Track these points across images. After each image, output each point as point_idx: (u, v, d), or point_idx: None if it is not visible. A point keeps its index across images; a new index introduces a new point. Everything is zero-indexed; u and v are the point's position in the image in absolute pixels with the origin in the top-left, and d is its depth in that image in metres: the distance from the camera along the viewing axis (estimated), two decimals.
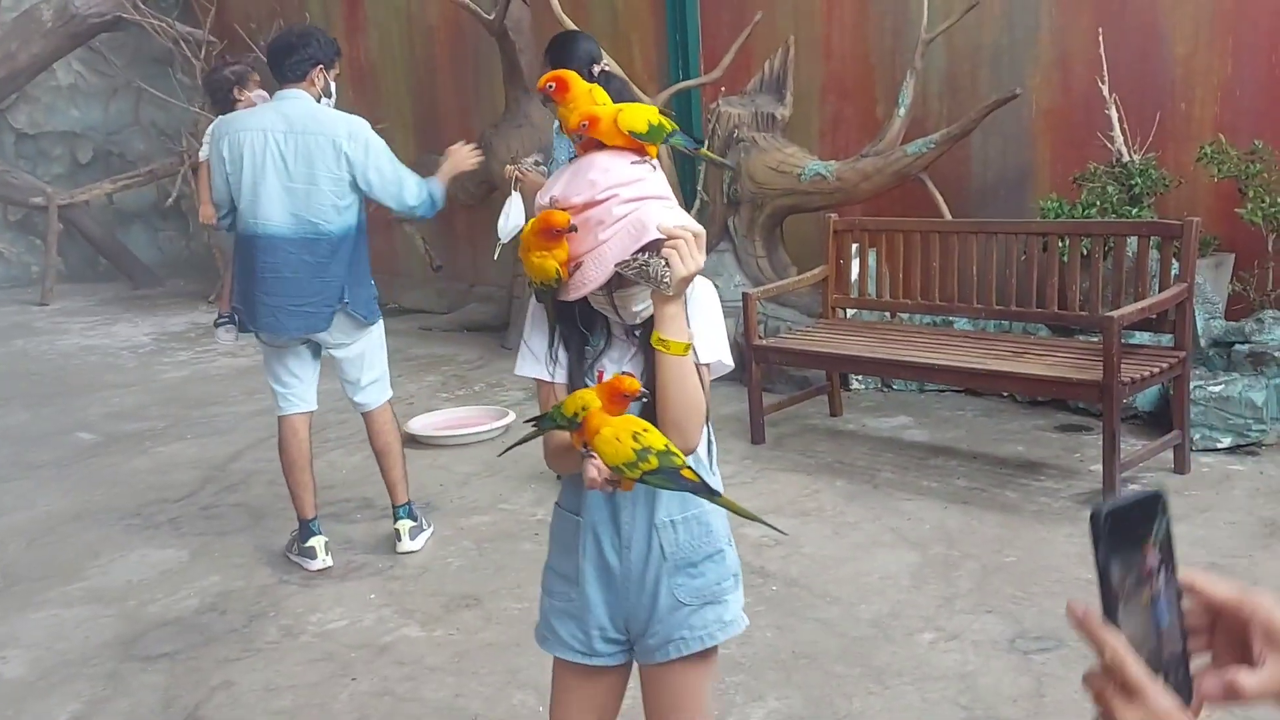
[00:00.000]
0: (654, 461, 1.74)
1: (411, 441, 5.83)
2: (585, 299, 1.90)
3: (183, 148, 11.35)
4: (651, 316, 1.89)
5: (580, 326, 1.96)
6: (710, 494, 1.83)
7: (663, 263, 1.78)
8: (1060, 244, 5.01)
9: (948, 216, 5.80)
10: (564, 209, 1.86)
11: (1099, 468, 4.59)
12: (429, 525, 4.57)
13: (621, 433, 1.74)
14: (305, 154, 4.06)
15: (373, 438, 4.50)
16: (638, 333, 1.96)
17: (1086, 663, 2.74)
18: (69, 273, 12.30)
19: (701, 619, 2.02)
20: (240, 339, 4.81)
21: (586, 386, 1.92)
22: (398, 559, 4.38)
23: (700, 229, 1.85)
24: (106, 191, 11.51)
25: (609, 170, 1.86)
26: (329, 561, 4.35)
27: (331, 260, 4.16)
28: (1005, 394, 5.67)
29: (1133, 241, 4.78)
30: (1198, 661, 0.90)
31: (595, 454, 1.79)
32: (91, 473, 5.77)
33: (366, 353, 4.38)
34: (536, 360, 2.00)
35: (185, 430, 6.45)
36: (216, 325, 5.05)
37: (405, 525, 4.44)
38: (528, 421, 1.99)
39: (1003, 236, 5.17)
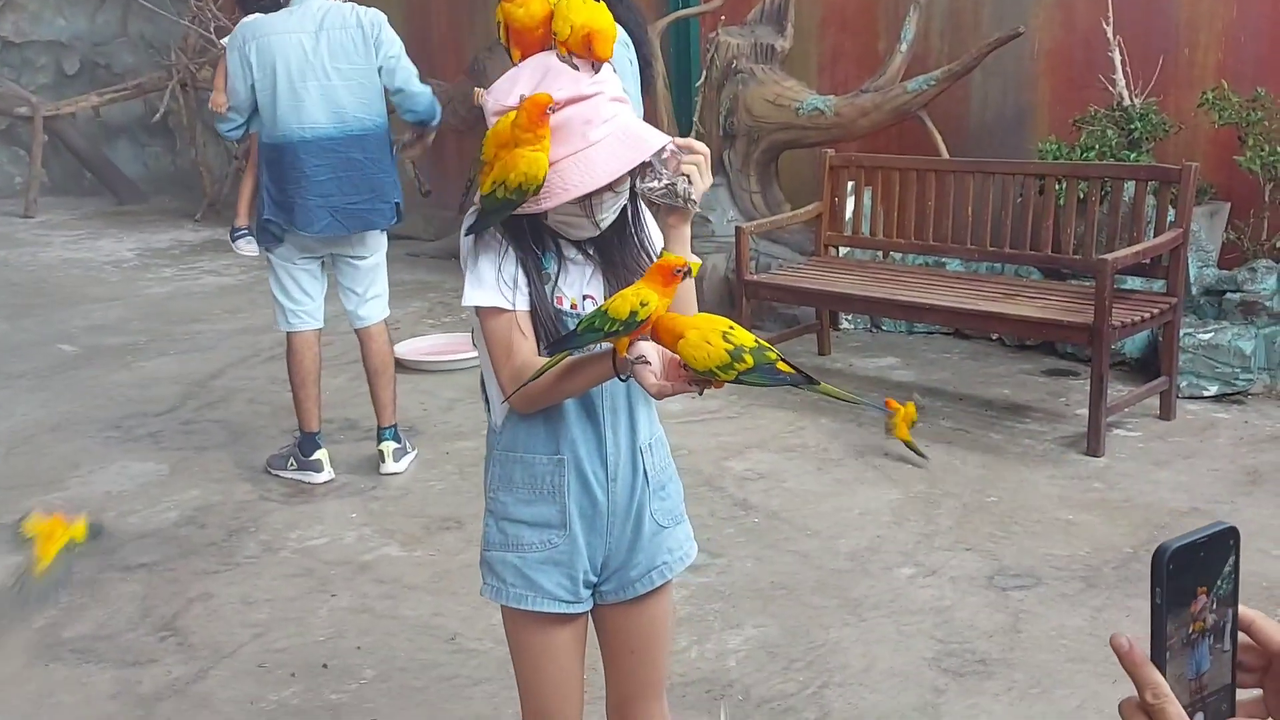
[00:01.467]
0: (749, 360, 1.56)
1: (397, 366, 5.79)
2: (536, 214, 1.74)
3: (171, 61, 11.15)
4: (602, 234, 1.80)
5: (533, 246, 1.78)
6: (810, 381, 1.62)
7: (685, 180, 1.71)
8: (1058, 186, 4.97)
9: (945, 156, 5.74)
10: (550, 103, 1.71)
11: (1085, 412, 4.58)
12: (413, 448, 4.56)
13: (710, 334, 1.55)
14: (339, 51, 4.03)
15: (368, 356, 4.48)
16: (592, 250, 1.83)
17: (1064, 601, 2.74)
18: (53, 185, 12.13)
19: (675, 539, 1.97)
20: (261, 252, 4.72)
21: (561, 314, 1.78)
22: (380, 480, 4.36)
23: (705, 148, 1.79)
24: (93, 104, 11.32)
25: (584, 67, 1.72)
26: (332, 475, 4.35)
27: (382, 155, 4.19)
28: (994, 337, 5.65)
29: (1129, 186, 4.74)
30: (1244, 695, 0.87)
31: (648, 359, 1.59)
32: (71, 384, 5.73)
33: (379, 266, 4.43)
34: (489, 286, 1.76)
35: (167, 346, 6.40)
36: (234, 238, 4.97)
37: (389, 447, 4.42)
38: (553, 346, 1.72)
39: (999, 177, 5.11)
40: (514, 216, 1.75)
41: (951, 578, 3.40)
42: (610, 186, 1.72)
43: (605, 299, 1.76)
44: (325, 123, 4.07)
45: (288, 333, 4.38)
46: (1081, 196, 4.89)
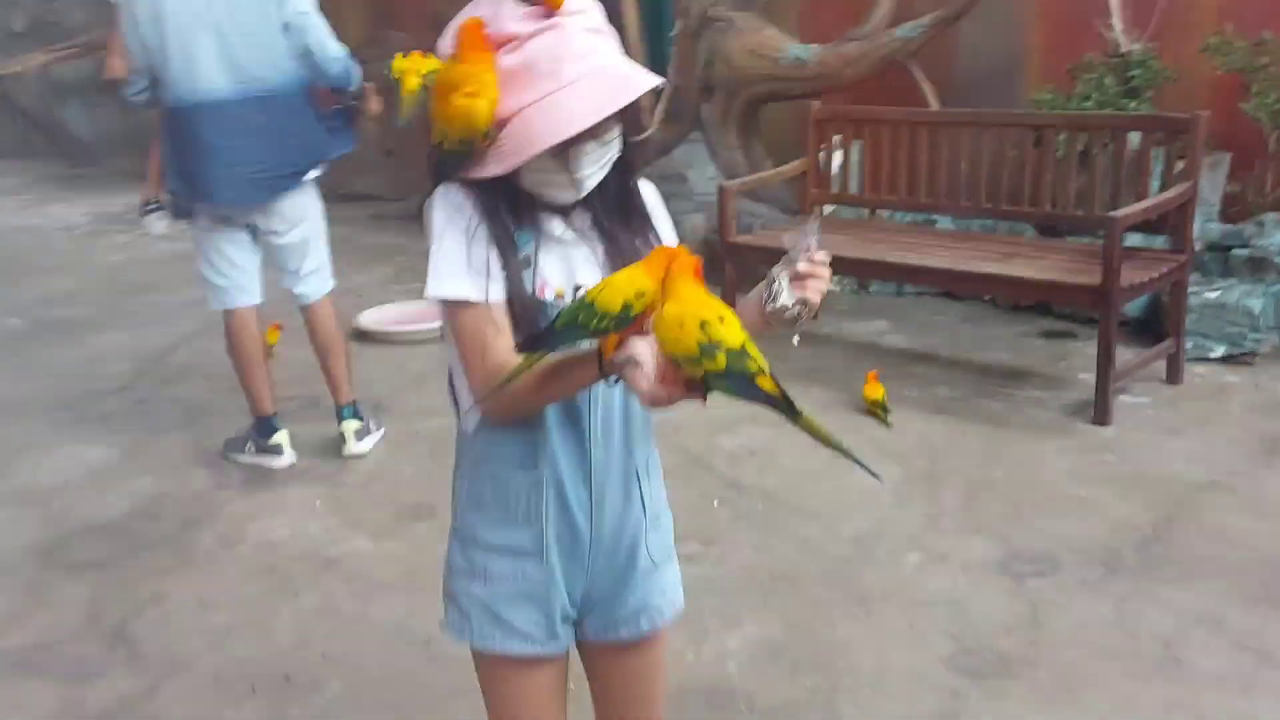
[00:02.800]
0: (721, 361, 1.24)
1: (362, 337, 5.52)
2: (510, 177, 1.46)
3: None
4: (598, 205, 1.53)
5: (506, 221, 1.48)
6: (792, 413, 1.28)
7: (803, 305, 1.40)
8: (1058, 139, 4.70)
9: (935, 107, 5.47)
10: (511, 39, 1.43)
11: (1087, 377, 4.36)
12: (378, 427, 4.28)
13: (687, 316, 1.25)
14: (236, 3, 3.63)
15: (313, 333, 4.19)
16: (586, 225, 1.54)
17: (1085, 589, 2.47)
18: (1, 149, 11.67)
19: (668, 579, 1.71)
20: (175, 225, 4.38)
21: (545, 305, 1.48)
22: (345, 464, 4.09)
23: (827, 259, 1.43)
24: (41, 63, 10.86)
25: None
26: (295, 458, 4.08)
27: (291, 118, 3.78)
28: (987, 298, 5.42)
29: (1134, 137, 4.49)
30: None
31: (640, 359, 1.26)
32: (20, 362, 5.41)
33: (310, 238, 4.04)
34: (457, 274, 1.46)
35: (121, 319, 6.09)
36: (145, 213, 4.59)
37: (351, 426, 4.15)
38: (529, 344, 1.39)
39: (996, 130, 4.85)
40: (483, 183, 1.47)
41: (962, 564, 3.18)
42: (592, 134, 1.44)
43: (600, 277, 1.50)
44: (221, 84, 3.66)
45: (224, 312, 4.03)
46: (1084, 149, 4.64)
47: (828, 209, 5.55)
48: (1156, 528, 3.33)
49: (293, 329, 5.57)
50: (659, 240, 1.58)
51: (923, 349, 5.00)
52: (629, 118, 1.52)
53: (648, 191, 1.64)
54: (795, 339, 1.48)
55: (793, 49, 5.88)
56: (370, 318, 5.68)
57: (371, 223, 8.37)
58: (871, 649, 2.80)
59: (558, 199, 1.51)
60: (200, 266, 4.04)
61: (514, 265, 1.48)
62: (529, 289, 1.49)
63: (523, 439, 1.54)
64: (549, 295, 1.51)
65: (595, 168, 1.49)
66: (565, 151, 1.44)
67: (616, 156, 1.52)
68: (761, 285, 1.43)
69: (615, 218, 1.56)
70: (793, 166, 5.40)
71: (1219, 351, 4.58)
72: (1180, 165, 4.35)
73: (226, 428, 4.35)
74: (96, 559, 3.48)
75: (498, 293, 1.47)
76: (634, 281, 1.30)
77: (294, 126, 3.80)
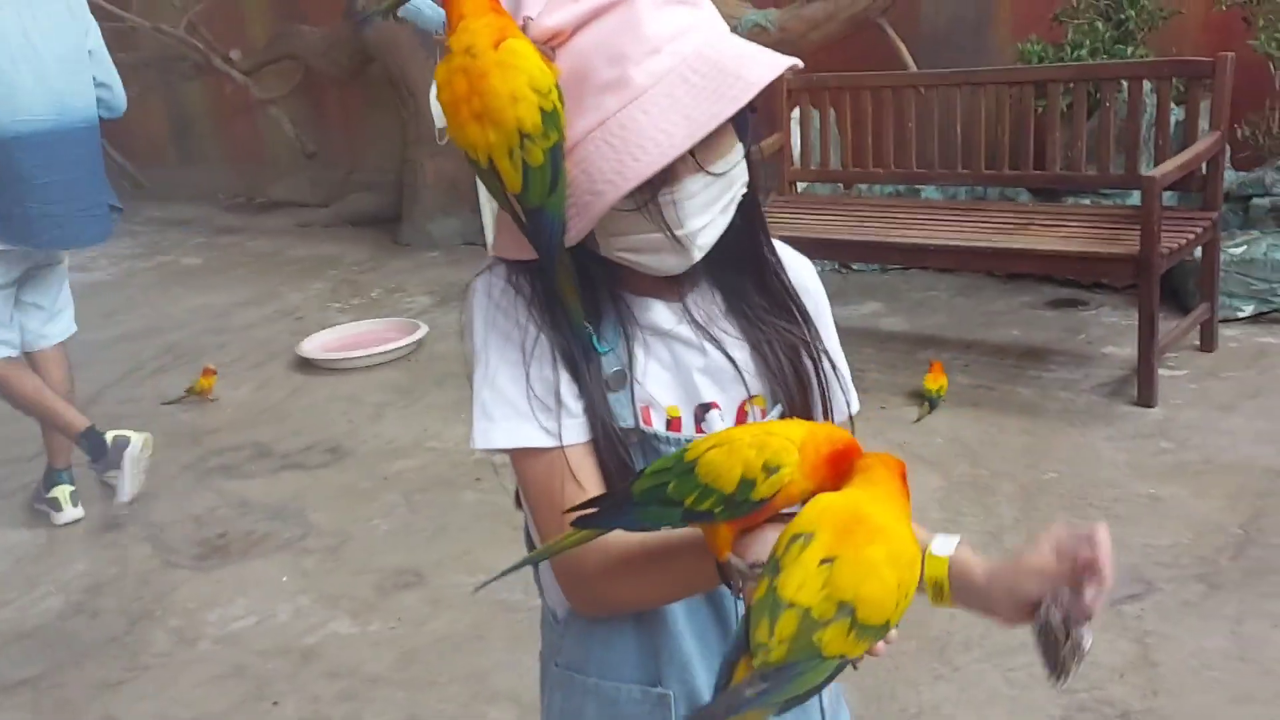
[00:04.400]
0: (850, 647, 0.78)
1: (306, 366, 4.99)
2: (580, 246, 0.99)
3: None
4: (711, 256, 1.03)
5: (577, 314, 1.01)
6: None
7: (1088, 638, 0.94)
8: (1061, 93, 4.29)
9: (913, 68, 5.05)
10: (552, 38, 0.95)
11: (1113, 350, 4.01)
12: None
13: (902, 567, 0.80)
14: (51, 27, 3.41)
15: (55, 382, 3.75)
16: (706, 304, 1.08)
17: (1190, 613, 1.58)
18: None
19: None
20: None
21: (650, 438, 1.02)
22: (310, 525, 3.58)
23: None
24: None
25: None
26: (79, 513, 3.74)
27: (99, 152, 3.61)
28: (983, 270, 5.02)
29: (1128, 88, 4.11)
30: None
31: (751, 575, 0.83)
32: None
33: (65, 269, 3.80)
34: (513, 412, 1.01)
35: None
36: None
37: (66, 491, 3.77)
38: (586, 520, 0.90)
39: (991, 88, 4.43)
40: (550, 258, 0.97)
41: None
42: (696, 163, 0.96)
43: (728, 399, 1.04)
44: (41, 113, 3.39)
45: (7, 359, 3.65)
46: (1092, 102, 4.25)
47: (800, 186, 5.10)
48: (1246, 527, 2.95)
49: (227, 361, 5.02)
50: (816, 352, 1.09)
51: (926, 331, 4.60)
52: (742, 127, 1.02)
53: (797, 265, 1.15)
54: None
55: (749, 15, 5.42)
56: (313, 344, 5.13)
57: (299, 233, 7.77)
58: (969, 714, 2.39)
59: (658, 270, 1.03)
60: None
61: (597, 387, 1.01)
62: (625, 418, 1.01)
63: (638, 637, 1.07)
64: (656, 423, 1.04)
65: (709, 214, 1.00)
66: (654, 198, 0.96)
67: (742, 194, 1.04)
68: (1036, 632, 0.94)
69: (753, 295, 1.08)
70: (767, 144, 4.94)
71: (1247, 310, 4.24)
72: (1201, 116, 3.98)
73: (163, 489, 3.83)
74: (31, 675, 2.93)
75: (576, 432, 1.00)
76: (769, 445, 0.83)
77: (100, 160, 3.62)
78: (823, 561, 0.77)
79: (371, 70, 7.55)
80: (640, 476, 0.88)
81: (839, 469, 0.84)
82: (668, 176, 0.95)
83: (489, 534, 3.28)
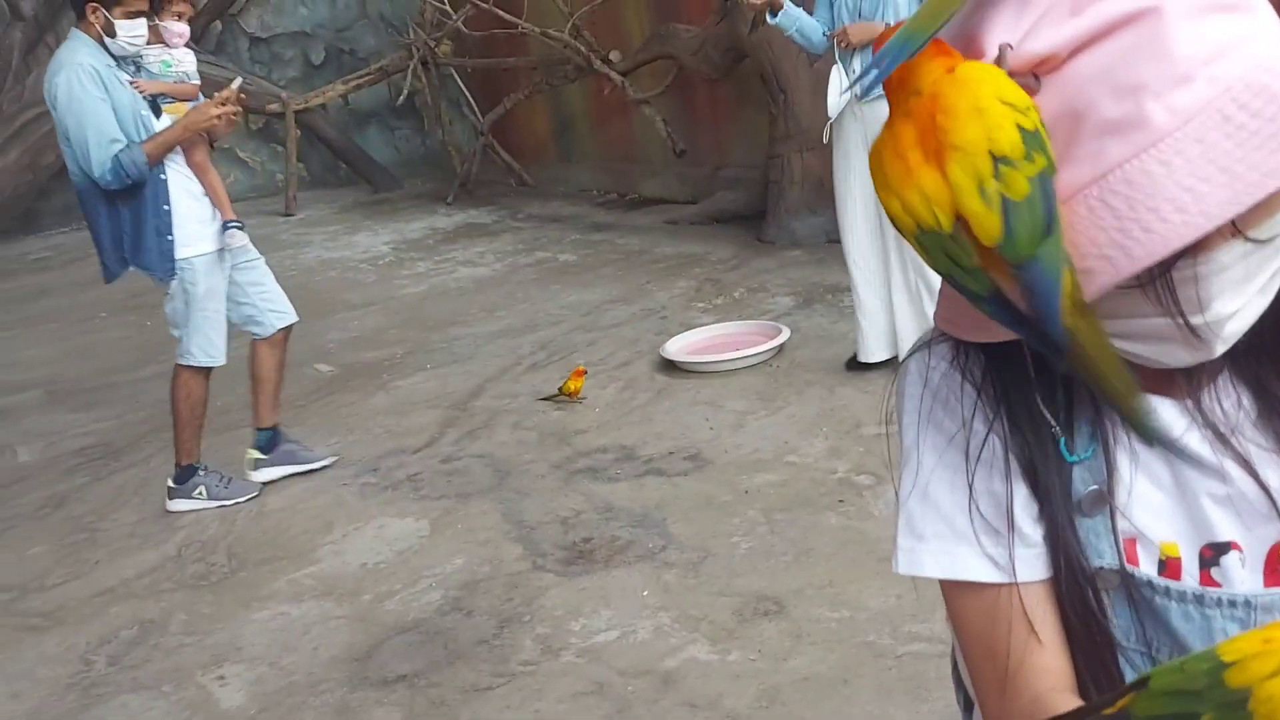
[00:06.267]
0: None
1: (668, 368, 5.02)
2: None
3: (409, 39, 10.79)
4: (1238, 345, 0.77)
5: (1046, 410, 0.80)
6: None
7: None
8: None
9: None
10: (1039, 65, 0.71)
11: None
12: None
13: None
14: (50, 101, 3.88)
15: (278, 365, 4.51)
16: (1224, 407, 0.80)
17: None
18: (311, 179, 12.10)
19: None
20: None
21: (1140, 584, 0.79)
22: (670, 536, 3.56)
23: None
24: (340, 93, 11.12)
25: None
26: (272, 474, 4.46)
27: (95, 213, 4.01)
28: None
29: None
30: None
31: None
32: (328, 415, 5.25)
33: (176, 309, 4.22)
34: (948, 532, 0.83)
35: (424, 358, 5.87)
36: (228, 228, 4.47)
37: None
38: None
39: None
40: (999, 345, 0.78)
41: None
42: (1235, 228, 0.70)
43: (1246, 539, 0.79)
44: (73, 168, 4.02)
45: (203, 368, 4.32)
46: None
47: None
48: None
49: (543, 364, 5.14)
50: None
51: None
52: None
53: None
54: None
55: None
56: (677, 346, 5.16)
57: (666, 230, 7.91)
58: None
59: (1159, 363, 0.78)
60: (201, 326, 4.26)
61: (1063, 509, 0.79)
62: (1101, 553, 0.80)
63: None
64: (1145, 565, 0.80)
65: (1243, 296, 0.73)
66: (1167, 274, 0.72)
67: None
68: None
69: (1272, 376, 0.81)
70: None
71: None
72: None
73: (537, 488, 3.96)
74: (408, 671, 3.09)
75: (1032, 566, 0.80)
76: None
77: (101, 221, 4.13)
78: None
79: (743, 69, 7.54)
80: (1142, 689, 0.63)
81: None
82: (1191, 245, 0.70)
83: (853, 564, 3.13)
